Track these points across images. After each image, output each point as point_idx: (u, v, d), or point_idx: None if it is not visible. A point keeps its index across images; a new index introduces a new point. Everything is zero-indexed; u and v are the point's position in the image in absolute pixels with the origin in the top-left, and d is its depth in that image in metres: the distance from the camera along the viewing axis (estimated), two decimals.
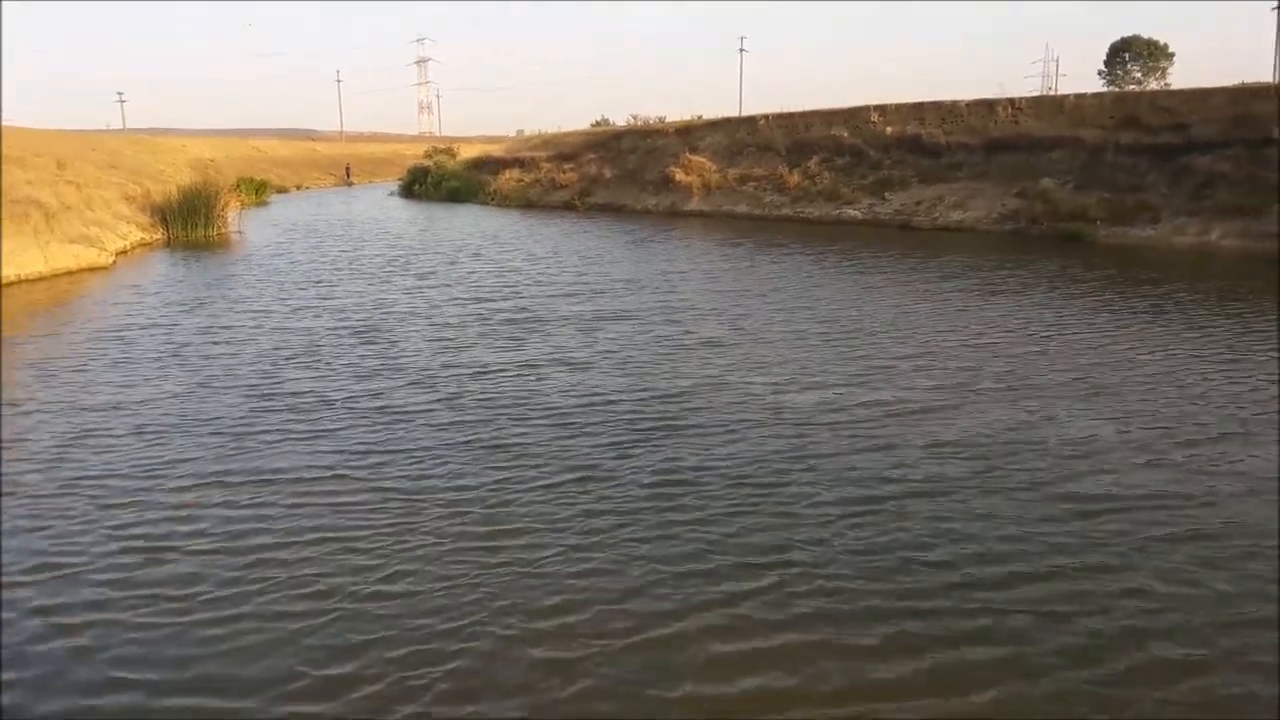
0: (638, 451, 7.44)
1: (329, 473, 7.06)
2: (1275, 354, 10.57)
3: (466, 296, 15.16)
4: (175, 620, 4.97)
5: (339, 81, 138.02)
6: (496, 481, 6.81)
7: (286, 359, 10.84)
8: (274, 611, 5.05)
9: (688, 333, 12.07)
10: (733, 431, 7.92)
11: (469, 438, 7.83)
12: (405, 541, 5.85)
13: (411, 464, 7.23)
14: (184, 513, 6.35)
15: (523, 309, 13.88)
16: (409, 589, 5.27)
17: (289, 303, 14.84)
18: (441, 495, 6.58)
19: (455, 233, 27.15)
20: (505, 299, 14.85)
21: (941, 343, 11.32)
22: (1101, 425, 7.98)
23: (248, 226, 27.64)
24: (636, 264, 19.30)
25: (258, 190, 42.19)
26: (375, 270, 18.70)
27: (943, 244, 22.06)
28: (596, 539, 5.85)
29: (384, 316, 13.48)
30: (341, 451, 7.54)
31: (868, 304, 14.21)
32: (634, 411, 8.54)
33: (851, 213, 27.73)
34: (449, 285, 16.45)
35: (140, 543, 5.90)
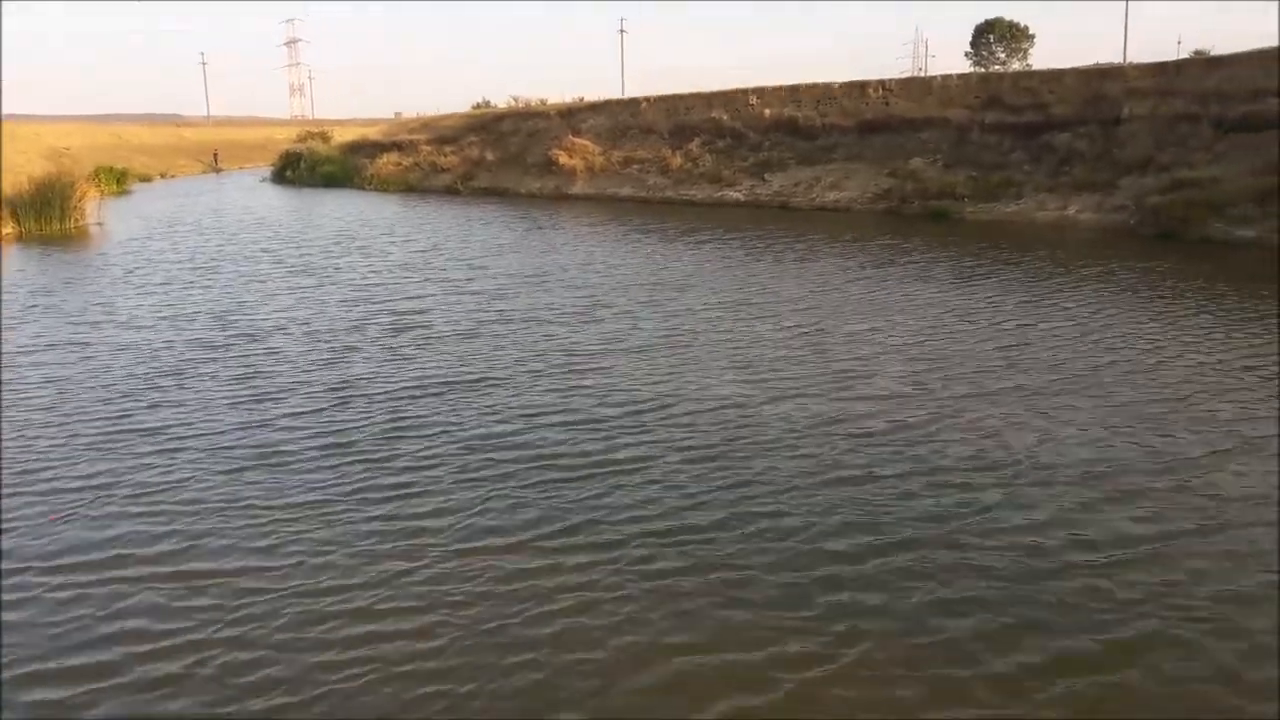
0: (568, 499, 6.27)
1: (175, 540, 5.82)
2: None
3: (351, 297, 13.79)
4: None
5: (204, 64, 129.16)
6: (389, 551, 5.63)
7: (139, 382, 9.37)
8: None
9: (613, 339, 10.71)
10: (685, 465, 6.80)
11: (355, 486, 6.59)
12: (273, 632, 4.84)
13: (283, 523, 6.05)
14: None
15: (416, 312, 12.56)
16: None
17: (147, 307, 13.24)
18: (317, 564, 5.52)
19: (334, 221, 25.43)
20: (395, 299, 13.57)
21: (889, 341, 10.34)
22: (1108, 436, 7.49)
23: (108, 218, 25.27)
24: (538, 255, 18.08)
25: (119, 179, 38.88)
26: (247, 267, 17.08)
27: (829, 224, 21.82)
28: (523, 636, 4.94)
29: (256, 323, 12.07)
30: (192, 511, 6.26)
31: (806, 295, 13.27)
32: (559, 443, 7.30)
33: (733, 194, 27.35)
34: (330, 284, 15.02)
35: None
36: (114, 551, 5.62)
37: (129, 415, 8.23)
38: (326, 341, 10.94)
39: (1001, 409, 7.85)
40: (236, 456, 7.19)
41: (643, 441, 7.30)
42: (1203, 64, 22.64)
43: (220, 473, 6.87)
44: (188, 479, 6.76)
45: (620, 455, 7.03)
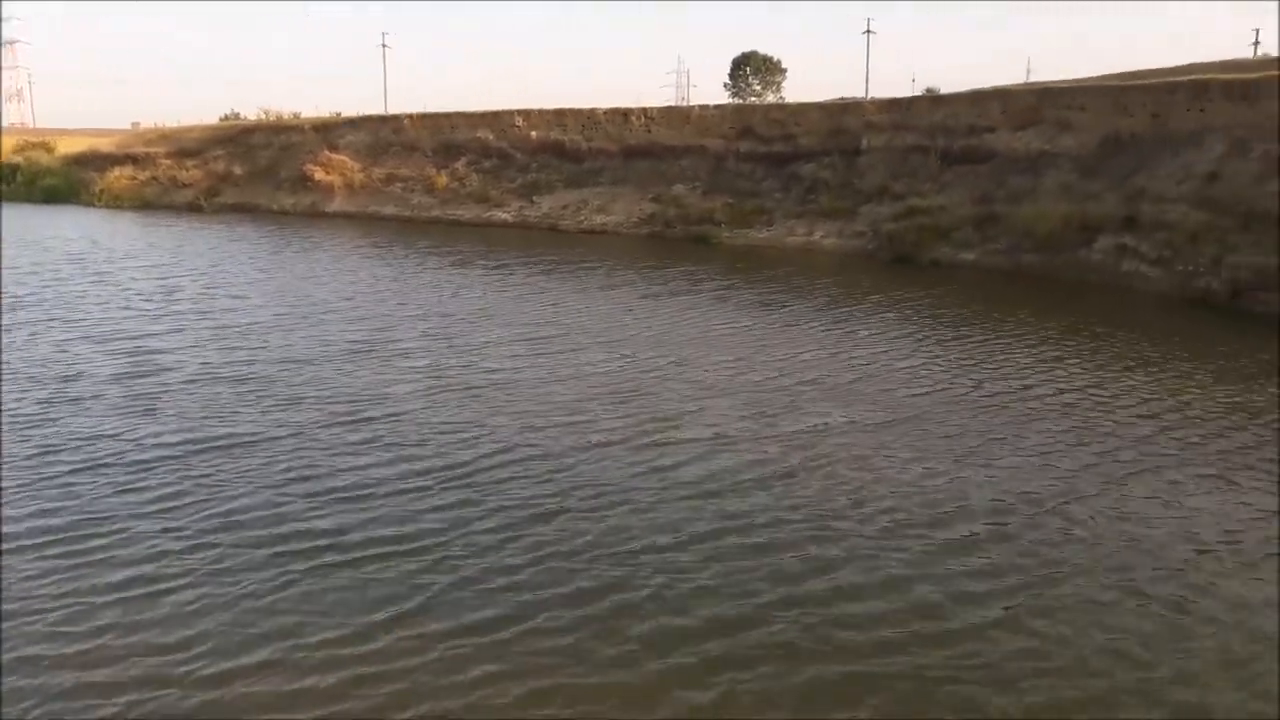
0: (354, 592, 5.09)
1: None
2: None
3: (75, 335, 11.42)
4: None
5: None
6: (116, 680, 4.32)
7: None
8: None
9: (401, 380, 9.33)
10: (498, 535, 5.80)
11: (69, 589, 5.10)
12: None
13: None
14: None
15: (157, 352, 10.54)
16: None
17: None
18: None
19: (56, 242, 21.76)
20: (132, 336, 11.36)
21: (702, 378, 9.62)
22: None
23: None
24: (303, 281, 16.06)
25: None
26: None
27: (605, 247, 21.35)
28: None
29: None
30: None
31: (608, 328, 12.29)
32: (339, 518, 6.03)
33: (502, 215, 26.40)
34: (50, 319, 12.41)
35: None
36: None
37: None
38: (40, 392, 8.85)
39: (826, 450, 7.42)
40: None
41: (445, 508, 6.18)
42: (930, 101, 24.31)
43: None
44: None
45: (417, 529, 5.87)
